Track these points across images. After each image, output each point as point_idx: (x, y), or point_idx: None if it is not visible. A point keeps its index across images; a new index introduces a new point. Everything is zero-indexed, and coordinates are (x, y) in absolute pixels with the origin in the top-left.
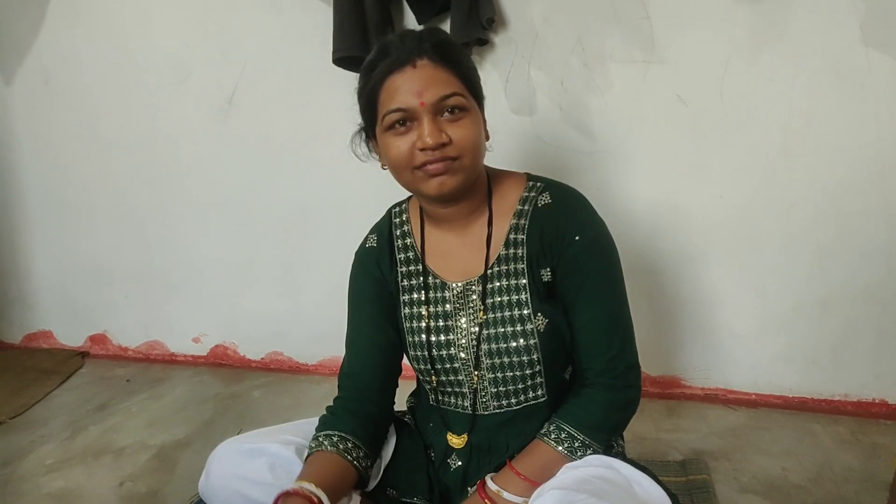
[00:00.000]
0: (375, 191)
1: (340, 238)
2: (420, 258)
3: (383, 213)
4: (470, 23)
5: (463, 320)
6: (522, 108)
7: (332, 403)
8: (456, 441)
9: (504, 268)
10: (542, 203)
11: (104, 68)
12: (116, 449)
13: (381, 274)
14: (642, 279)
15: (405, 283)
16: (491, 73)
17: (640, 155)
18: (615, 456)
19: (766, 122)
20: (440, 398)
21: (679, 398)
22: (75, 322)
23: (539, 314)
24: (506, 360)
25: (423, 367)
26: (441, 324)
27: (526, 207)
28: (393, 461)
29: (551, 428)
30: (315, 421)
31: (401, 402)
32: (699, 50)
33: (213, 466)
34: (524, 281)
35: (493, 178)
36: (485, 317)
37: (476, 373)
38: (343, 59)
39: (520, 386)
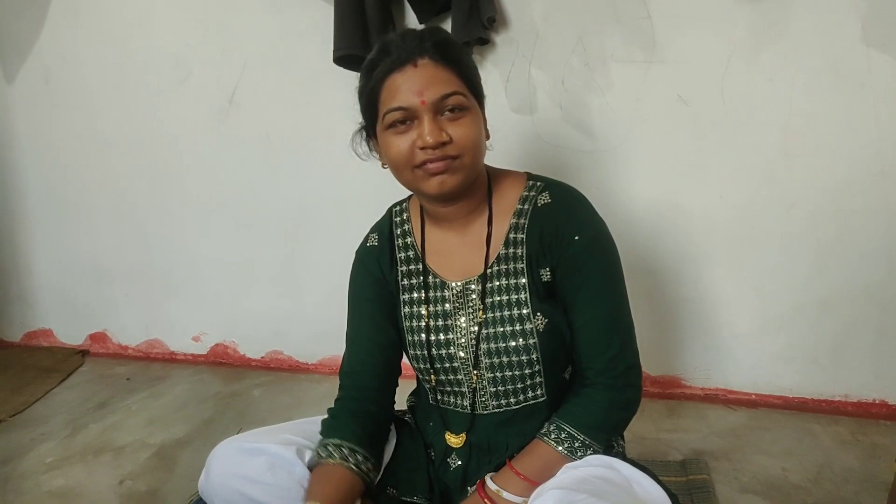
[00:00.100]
0: (376, 190)
1: (340, 237)
2: (420, 257)
3: (383, 212)
4: (471, 22)
5: (462, 320)
6: (523, 107)
7: (332, 405)
8: (454, 440)
9: (504, 267)
10: (542, 202)
11: (104, 68)
12: (116, 447)
13: (381, 273)
14: (642, 279)
15: (405, 282)
16: (492, 72)
17: (640, 154)
18: (615, 456)
19: (766, 122)
20: (439, 397)
21: (679, 398)
22: (75, 320)
23: (538, 314)
24: (505, 359)
25: (422, 366)
26: (440, 323)
27: (526, 207)
28: (393, 460)
29: (551, 428)
30: (315, 420)
31: (401, 402)
32: (700, 50)
33: (213, 465)
34: (524, 280)
35: (494, 177)
36: (484, 316)
37: (475, 372)
38: (344, 58)
39: (519, 385)
